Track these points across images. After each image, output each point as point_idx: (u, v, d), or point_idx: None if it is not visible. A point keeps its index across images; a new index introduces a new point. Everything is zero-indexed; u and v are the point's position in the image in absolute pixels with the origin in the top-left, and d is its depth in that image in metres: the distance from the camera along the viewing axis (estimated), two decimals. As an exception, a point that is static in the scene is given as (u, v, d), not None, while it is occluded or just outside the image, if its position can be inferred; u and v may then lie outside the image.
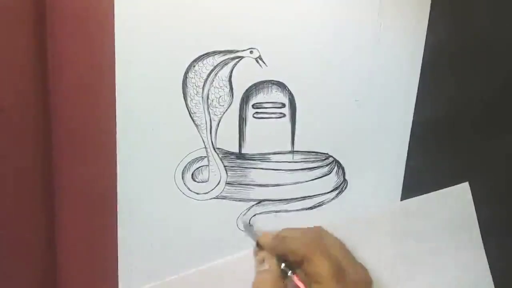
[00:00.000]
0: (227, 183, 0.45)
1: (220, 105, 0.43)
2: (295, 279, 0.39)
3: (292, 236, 0.41)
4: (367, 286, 0.41)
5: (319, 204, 0.46)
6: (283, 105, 0.44)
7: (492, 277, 0.50)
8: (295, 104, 0.44)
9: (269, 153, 0.45)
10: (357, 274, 0.40)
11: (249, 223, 0.45)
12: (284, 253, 0.40)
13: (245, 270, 0.43)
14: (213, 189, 0.45)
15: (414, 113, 0.46)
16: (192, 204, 0.45)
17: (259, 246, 0.43)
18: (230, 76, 0.43)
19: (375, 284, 0.46)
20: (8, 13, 0.38)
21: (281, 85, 0.43)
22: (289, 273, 0.40)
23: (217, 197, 0.45)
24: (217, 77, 0.42)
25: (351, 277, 0.39)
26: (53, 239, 0.44)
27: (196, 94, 0.42)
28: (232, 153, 0.44)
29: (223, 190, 0.45)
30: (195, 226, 0.45)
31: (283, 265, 0.40)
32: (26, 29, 0.40)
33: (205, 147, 0.44)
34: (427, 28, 0.44)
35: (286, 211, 0.46)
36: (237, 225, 0.45)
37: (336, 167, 0.46)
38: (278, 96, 0.43)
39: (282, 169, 0.45)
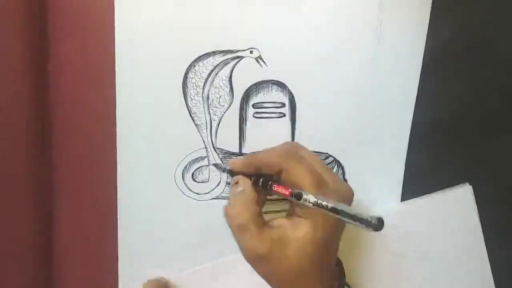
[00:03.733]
0: (228, 184, 0.45)
1: (220, 105, 0.43)
2: (276, 187, 0.36)
3: (263, 150, 0.39)
4: (349, 195, 0.38)
5: (319, 204, 0.46)
6: (283, 105, 0.44)
7: (494, 278, 0.50)
8: (295, 104, 0.44)
9: (269, 153, 0.45)
10: (338, 184, 0.37)
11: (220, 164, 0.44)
12: (258, 169, 0.38)
13: (245, 270, 0.43)
14: (213, 189, 0.45)
15: (414, 113, 0.46)
16: (192, 204, 0.45)
17: (231, 173, 0.40)
18: (230, 76, 0.43)
19: (375, 284, 0.46)
20: (8, 13, 0.38)
21: (281, 85, 0.43)
22: (269, 184, 0.36)
23: (217, 197, 0.45)
24: (217, 77, 0.42)
25: (332, 185, 0.36)
26: (52, 239, 0.44)
27: (196, 94, 0.43)
28: (233, 153, 0.44)
29: (223, 191, 0.45)
30: (195, 226, 0.45)
31: (261, 181, 0.37)
32: (25, 29, 0.40)
33: (205, 147, 0.44)
34: (428, 27, 0.44)
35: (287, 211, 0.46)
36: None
37: (336, 167, 0.46)
38: (278, 95, 0.44)
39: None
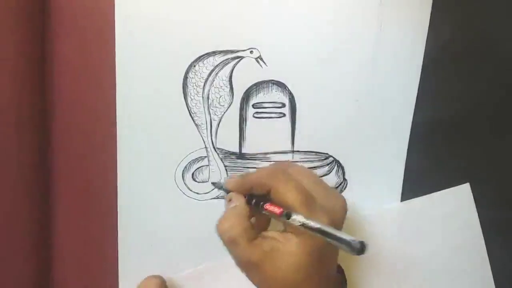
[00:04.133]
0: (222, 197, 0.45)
1: (221, 105, 0.43)
2: (267, 206, 0.36)
3: (255, 170, 0.40)
4: (341, 212, 0.38)
5: (319, 204, 0.46)
6: (283, 105, 0.44)
7: (494, 278, 0.50)
8: (295, 103, 0.44)
9: (270, 153, 0.45)
10: (329, 200, 0.37)
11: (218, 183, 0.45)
12: (250, 188, 0.38)
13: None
14: (213, 189, 0.45)
15: (414, 113, 0.46)
16: (192, 204, 0.45)
17: (227, 191, 0.41)
18: (231, 76, 0.43)
19: (375, 284, 0.46)
20: (7, 13, 0.38)
21: (281, 85, 0.43)
22: (261, 204, 0.37)
23: (217, 197, 0.45)
24: (217, 77, 0.42)
25: (323, 203, 0.36)
26: (52, 239, 0.44)
27: (197, 94, 0.43)
28: (233, 153, 0.44)
29: (223, 190, 0.45)
30: (196, 226, 0.45)
31: (253, 201, 0.38)
32: (25, 29, 0.40)
33: (206, 147, 0.44)
34: (428, 27, 0.44)
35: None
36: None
37: (336, 167, 0.46)
38: (278, 95, 0.44)
39: (282, 169, 0.45)
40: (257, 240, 0.36)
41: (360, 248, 0.32)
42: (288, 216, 0.35)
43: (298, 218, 0.34)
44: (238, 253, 0.36)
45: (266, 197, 0.37)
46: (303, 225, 0.34)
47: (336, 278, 0.40)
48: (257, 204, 0.37)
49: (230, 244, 0.36)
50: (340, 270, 0.42)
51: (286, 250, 0.35)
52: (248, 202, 0.38)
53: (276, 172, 0.38)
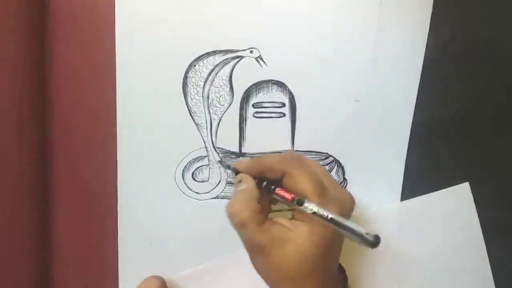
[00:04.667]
0: (228, 183, 0.45)
1: (221, 105, 0.43)
2: (279, 191, 0.36)
3: (268, 155, 0.40)
4: (351, 204, 0.38)
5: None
6: (283, 105, 0.44)
7: (494, 278, 0.50)
8: (295, 103, 0.44)
9: (269, 153, 0.45)
10: (340, 192, 0.37)
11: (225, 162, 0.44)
12: (262, 171, 0.38)
13: (245, 270, 0.43)
14: (213, 189, 0.45)
15: (414, 113, 0.46)
16: (192, 203, 0.45)
17: (236, 172, 0.40)
18: (231, 76, 0.43)
19: (375, 284, 0.46)
20: (7, 13, 0.38)
21: (281, 85, 0.43)
22: (272, 188, 0.37)
23: (217, 197, 0.45)
24: (217, 77, 0.42)
25: (334, 194, 0.36)
26: (52, 239, 0.44)
27: (197, 94, 0.43)
28: (233, 153, 0.44)
29: (223, 190, 0.45)
30: (196, 226, 0.45)
31: (264, 184, 0.38)
32: (25, 29, 0.40)
33: (206, 147, 0.44)
34: (429, 27, 0.44)
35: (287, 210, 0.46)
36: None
37: (336, 167, 0.46)
38: (278, 95, 0.44)
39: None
40: (266, 224, 0.36)
41: (374, 242, 0.31)
42: (300, 203, 0.34)
43: (310, 206, 0.34)
44: (247, 235, 0.36)
45: (277, 182, 0.37)
46: (315, 213, 0.34)
47: (338, 276, 0.40)
48: (267, 187, 0.37)
49: (240, 227, 0.36)
50: (342, 270, 0.42)
51: (294, 238, 0.35)
52: (258, 185, 0.38)
53: (292, 159, 0.38)
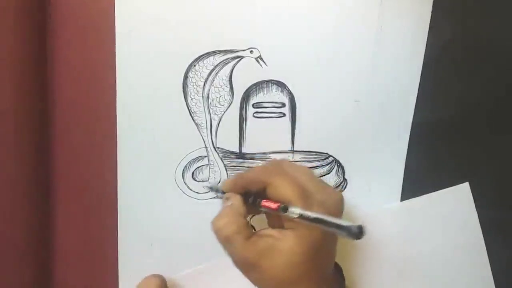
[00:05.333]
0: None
1: (221, 105, 0.43)
2: (264, 203, 0.37)
3: (250, 169, 0.41)
4: (338, 203, 0.38)
5: (319, 204, 0.46)
6: (283, 105, 0.44)
7: (494, 278, 0.50)
8: (295, 103, 0.44)
9: (269, 153, 0.45)
10: (325, 192, 0.37)
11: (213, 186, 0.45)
12: (245, 186, 0.38)
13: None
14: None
15: (414, 113, 0.46)
16: (192, 203, 0.45)
17: (223, 192, 0.41)
18: (231, 76, 0.43)
19: (375, 284, 0.46)
20: (7, 13, 0.38)
21: (281, 85, 0.43)
22: (258, 201, 0.37)
23: (217, 197, 0.45)
24: (217, 77, 0.42)
25: (318, 195, 0.36)
26: (52, 239, 0.44)
27: (197, 94, 0.43)
28: (232, 153, 0.44)
29: (223, 190, 0.45)
30: (195, 226, 0.45)
31: (250, 199, 0.38)
32: (25, 29, 0.40)
33: (205, 147, 0.44)
34: (429, 28, 0.44)
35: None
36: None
37: (336, 167, 0.46)
38: (278, 95, 0.44)
39: (282, 169, 0.45)
40: (252, 238, 0.36)
41: (359, 232, 0.32)
42: (285, 209, 0.35)
43: (295, 210, 0.34)
44: (233, 251, 0.36)
45: (262, 194, 0.37)
46: (300, 216, 0.34)
47: (334, 276, 0.40)
48: (254, 201, 0.37)
49: (225, 242, 0.36)
50: (338, 269, 0.42)
51: (282, 247, 0.35)
52: (245, 200, 0.38)
53: (271, 168, 0.38)
